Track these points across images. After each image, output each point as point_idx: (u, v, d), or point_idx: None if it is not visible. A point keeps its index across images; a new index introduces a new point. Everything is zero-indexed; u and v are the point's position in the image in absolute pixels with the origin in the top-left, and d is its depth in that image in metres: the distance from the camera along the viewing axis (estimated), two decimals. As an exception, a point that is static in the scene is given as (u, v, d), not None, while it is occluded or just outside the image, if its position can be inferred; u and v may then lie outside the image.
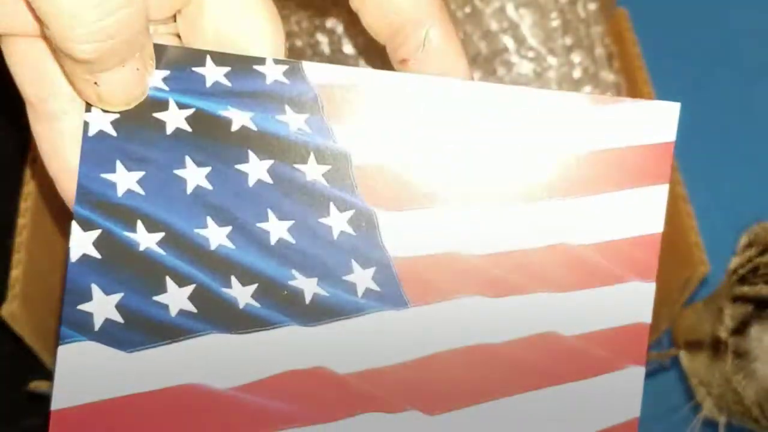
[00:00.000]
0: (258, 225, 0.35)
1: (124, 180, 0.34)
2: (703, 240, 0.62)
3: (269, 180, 0.35)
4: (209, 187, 0.35)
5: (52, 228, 0.63)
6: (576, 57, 0.64)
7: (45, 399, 0.60)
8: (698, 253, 0.60)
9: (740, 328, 0.54)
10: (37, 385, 0.57)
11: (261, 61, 0.34)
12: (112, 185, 0.34)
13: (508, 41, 0.61)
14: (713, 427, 0.69)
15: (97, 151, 0.34)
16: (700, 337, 0.60)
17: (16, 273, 0.56)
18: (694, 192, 0.65)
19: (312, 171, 0.35)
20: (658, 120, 0.37)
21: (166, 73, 0.34)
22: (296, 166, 0.35)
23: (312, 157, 0.35)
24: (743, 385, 0.56)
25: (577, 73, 0.64)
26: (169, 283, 0.34)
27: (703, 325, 0.59)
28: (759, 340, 0.53)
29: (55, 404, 0.34)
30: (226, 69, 0.35)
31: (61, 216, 0.65)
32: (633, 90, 0.69)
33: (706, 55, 1.05)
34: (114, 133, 0.34)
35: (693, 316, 0.61)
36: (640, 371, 0.36)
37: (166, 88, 0.34)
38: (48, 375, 0.59)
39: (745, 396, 0.57)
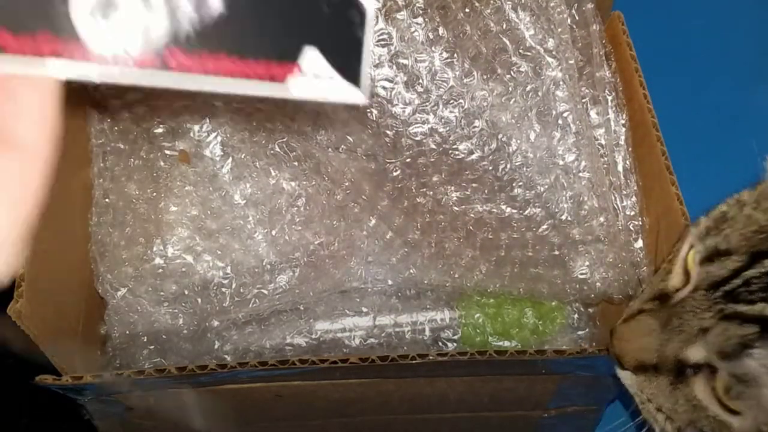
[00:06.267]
0: None
1: None
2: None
3: None
4: None
5: (58, 227, 0.64)
6: (573, 57, 0.65)
7: (50, 393, 0.60)
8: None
9: (736, 351, 0.46)
10: (43, 379, 0.58)
11: None
12: None
13: (507, 41, 0.62)
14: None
15: None
16: (658, 361, 0.51)
17: (22, 272, 0.57)
18: (688, 191, 0.66)
19: None
20: None
21: None
22: None
23: None
24: (743, 410, 0.48)
25: (574, 73, 0.65)
26: None
27: (664, 348, 0.51)
28: (766, 366, 0.45)
29: None
30: None
31: (65, 216, 0.65)
32: (628, 90, 0.70)
33: (700, 56, 1.07)
34: None
35: (646, 338, 0.52)
36: None
37: None
38: (53, 371, 0.59)
39: (737, 425, 0.48)
